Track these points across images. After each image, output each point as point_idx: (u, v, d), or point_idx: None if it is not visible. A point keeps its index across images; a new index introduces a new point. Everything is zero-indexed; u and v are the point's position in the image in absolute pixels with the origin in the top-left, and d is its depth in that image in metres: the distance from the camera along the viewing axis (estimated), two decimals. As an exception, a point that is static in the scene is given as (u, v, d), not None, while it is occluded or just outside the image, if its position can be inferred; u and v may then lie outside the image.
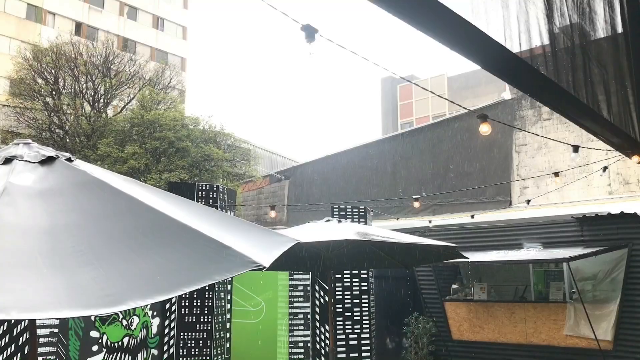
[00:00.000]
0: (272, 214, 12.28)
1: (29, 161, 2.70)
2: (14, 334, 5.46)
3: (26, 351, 5.49)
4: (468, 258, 6.23)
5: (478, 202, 14.72)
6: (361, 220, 9.22)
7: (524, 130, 12.56)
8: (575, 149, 7.18)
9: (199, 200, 7.18)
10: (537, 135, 11.84)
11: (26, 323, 5.46)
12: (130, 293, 2.06)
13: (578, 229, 8.43)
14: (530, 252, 8.44)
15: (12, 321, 5.43)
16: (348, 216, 9.17)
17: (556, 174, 9.51)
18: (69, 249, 2.16)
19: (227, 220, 3.15)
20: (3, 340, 5.41)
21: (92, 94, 18.02)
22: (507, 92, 15.04)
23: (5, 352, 5.40)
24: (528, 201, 11.54)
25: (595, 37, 4.25)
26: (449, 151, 15.74)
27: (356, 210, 9.34)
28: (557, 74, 3.42)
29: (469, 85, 37.43)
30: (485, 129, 5.46)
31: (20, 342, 5.48)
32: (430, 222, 11.75)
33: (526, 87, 3.78)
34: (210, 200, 7.24)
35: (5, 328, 5.41)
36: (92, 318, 6.02)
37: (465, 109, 5.47)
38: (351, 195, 16.50)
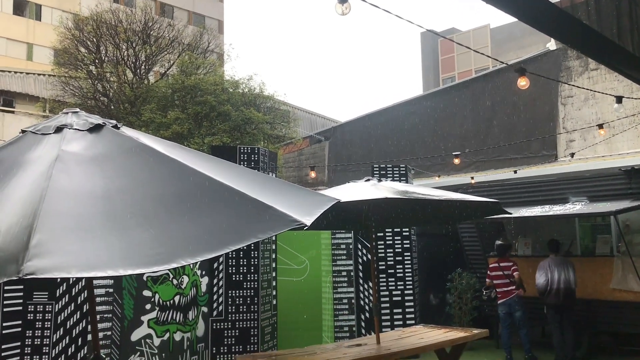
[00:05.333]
0: (312, 174, 12.37)
1: (78, 129, 2.82)
2: (73, 293, 5.79)
3: (85, 309, 5.81)
4: (511, 213, 6.19)
5: (522, 157, 14.43)
6: (402, 178, 9.23)
7: (565, 83, 12.16)
8: (619, 99, 6.90)
9: (241, 162, 7.31)
10: (580, 87, 11.45)
11: (84, 283, 5.77)
12: (179, 252, 2.17)
13: (626, 182, 8.21)
14: (576, 206, 8.30)
15: (71, 281, 5.75)
16: (388, 175, 9.18)
17: (600, 126, 9.22)
18: (121, 212, 2.27)
19: (269, 181, 3.23)
20: (63, 299, 5.74)
21: (134, 61, 18.28)
22: (552, 43, 14.50)
23: (65, 311, 5.74)
24: (572, 154, 11.26)
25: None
26: (493, 105, 15.39)
27: (396, 169, 9.34)
28: (600, 22, 3.30)
29: (513, 37, 36.20)
30: (523, 83, 5.34)
31: (79, 301, 5.80)
32: (472, 178, 11.63)
33: (567, 38, 3.67)
34: (252, 163, 7.36)
35: (65, 288, 5.73)
36: (144, 278, 6.30)
37: (503, 63, 5.35)
38: (392, 154, 16.42)
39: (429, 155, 15.33)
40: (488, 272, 8.74)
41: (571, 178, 9.27)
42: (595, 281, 8.43)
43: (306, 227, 2.40)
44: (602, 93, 8.80)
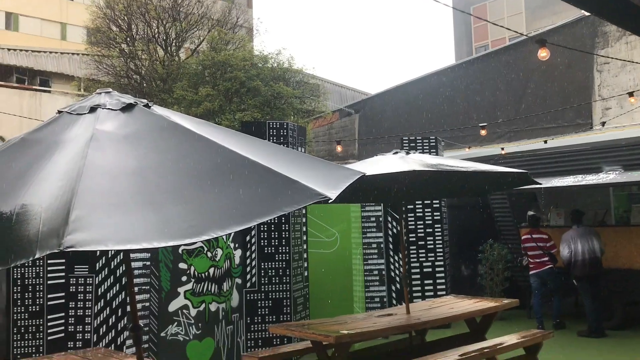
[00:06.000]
0: (339, 148, 12.42)
1: (111, 109, 2.92)
2: (112, 266, 6.03)
3: (123, 282, 6.05)
4: (541, 184, 6.15)
5: (557, 126, 14.17)
6: (432, 151, 9.20)
7: (592, 53, 11.81)
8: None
9: (270, 138, 7.41)
10: (606, 57, 11.12)
11: (122, 256, 6.00)
12: (210, 225, 2.27)
13: (663, 150, 8.04)
14: (610, 176, 8.18)
15: (110, 255, 5.98)
16: (418, 147, 9.17)
17: (630, 94, 9.01)
18: (153, 188, 2.38)
19: (296, 156, 3.30)
20: (103, 272, 5.98)
21: (164, 38, 18.45)
22: (587, 7, 14.06)
23: (105, 283, 5.99)
24: (603, 123, 11.02)
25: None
26: (526, 74, 15.08)
27: (426, 141, 9.31)
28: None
29: (549, 3, 35.10)
30: (543, 54, 5.25)
31: (117, 274, 6.04)
32: (502, 149, 11.52)
33: (603, 11, 3.58)
34: (281, 138, 7.45)
35: (104, 262, 5.98)
36: (180, 251, 6.50)
37: (522, 34, 5.25)
38: (423, 126, 16.30)
39: (461, 127, 15.18)
40: (522, 243, 8.80)
41: (605, 147, 9.12)
42: (630, 251, 8.35)
43: (330, 201, 2.47)
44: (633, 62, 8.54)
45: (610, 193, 9.30)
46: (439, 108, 16.84)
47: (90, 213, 2.12)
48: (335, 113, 19.93)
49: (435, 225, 9.17)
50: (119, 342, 5.98)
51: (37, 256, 2.00)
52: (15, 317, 5.68)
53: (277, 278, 7.25)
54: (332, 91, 22.44)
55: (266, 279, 7.25)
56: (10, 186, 2.41)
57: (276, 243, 7.30)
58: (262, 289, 7.24)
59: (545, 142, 11.20)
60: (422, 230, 9.15)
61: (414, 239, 9.13)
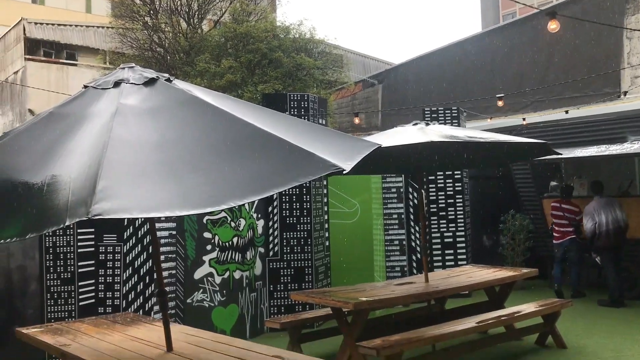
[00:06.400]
0: (357, 120, 12.44)
1: (134, 83, 3.04)
2: (139, 235, 6.24)
3: (150, 250, 6.26)
4: (561, 154, 6.14)
5: (583, 95, 13.93)
6: (454, 121, 9.19)
7: (608, 25, 11.51)
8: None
9: (291, 110, 7.48)
10: (632, 29, 10.83)
11: (148, 226, 6.20)
12: (230, 194, 2.38)
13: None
14: (635, 145, 8.08)
15: (137, 224, 6.19)
16: (440, 118, 9.16)
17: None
18: (176, 159, 2.50)
19: (312, 128, 3.39)
20: (130, 241, 6.20)
21: (187, 10, 18.46)
22: (618, -28, 13.66)
23: (133, 251, 6.21)
24: (625, 93, 10.80)
25: None
26: (554, 42, 14.76)
27: (448, 111, 9.29)
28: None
29: (578, -33, 34.03)
30: (553, 26, 5.19)
31: (144, 243, 6.25)
32: (524, 119, 11.41)
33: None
34: (302, 110, 7.52)
35: (131, 231, 6.19)
36: (204, 221, 6.68)
37: (531, 7, 5.18)
38: (447, 96, 16.15)
39: (486, 97, 15.00)
40: (551, 210, 8.84)
41: (630, 116, 8.98)
42: (654, 221, 8.28)
43: (345, 172, 2.56)
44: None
45: (635, 163, 9.19)
46: (463, 78, 16.64)
47: (116, 183, 2.25)
48: (358, 84, 19.83)
49: (457, 196, 9.21)
50: (146, 308, 6.23)
51: (67, 224, 2.13)
52: (48, 284, 5.95)
53: (298, 247, 7.42)
54: (355, 62, 22.29)
55: (288, 248, 7.42)
56: (41, 158, 2.55)
57: (298, 214, 7.44)
58: (285, 258, 7.41)
59: (567, 112, 11.05)
60: (443, 201, 9.21)
61: (435, 209, 9.19)
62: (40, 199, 2.33)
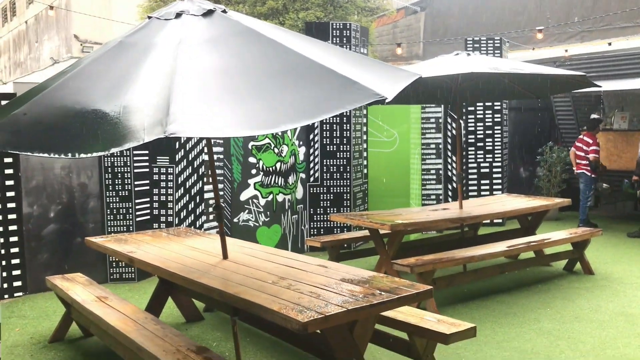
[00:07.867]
0: (398, 51, 12.36)
1: (194, 15, 3.29)
2: (190, 158, 6.65)
3: (200, 172, 6.69)
4: (600, 86, 6.16)
5: (635, 25, 13.44)
6: (496, 52, 9.14)
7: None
8: None
9: (333, 39, 7.60)
10: None
11: (198, 149, 6.60)
12: (283, 119, 2.66)
13: None
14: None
15: (188, 147, 6.59)
16: (482, 49, 9.12)
17: None
18: (236, 85, 2.78)
19: (356, 58, 3.60)
20: (182, 163, 6.62)
21: None
22: None
23: (184, 173, 6.64)
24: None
25: None
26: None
27: (491, 41, 9.22)
28: None
29: None
30: None
31: (195, 165, 6.67)
32: (566, 51, 11.19)
33: None
34: (344, 39, 7.63)
35: (182, 153, 6.60)
36: (249, 147, 7.04)
37: None
38: (491, 26, 15.78)
39: (528, 29, 14.61)
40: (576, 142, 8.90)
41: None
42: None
43: (387, 100, 2.79)
44: None
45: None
46: (509, 7, 16.15)
47: (185, 107, 2.55)
48: (400, 11, 19.42)
49: (495, 127, 9.30)
50: (197, 225, 6.73)
51: (145, 140, 2.44)
52: (107, 201, 6.47)
53: (338, 174, 7.74)
54: (397, -13, 21.63)
55: (328, 174, 7.75)
56: (115, 84, 2.86)
57: (337, 142, 7.72)
58: (324, 184, 7.76)
59: (609, 44, 10.76)
60: (481, 132, 9.32)
61: (473, 140, 9.33)
62: (118, 120, 2.64)
